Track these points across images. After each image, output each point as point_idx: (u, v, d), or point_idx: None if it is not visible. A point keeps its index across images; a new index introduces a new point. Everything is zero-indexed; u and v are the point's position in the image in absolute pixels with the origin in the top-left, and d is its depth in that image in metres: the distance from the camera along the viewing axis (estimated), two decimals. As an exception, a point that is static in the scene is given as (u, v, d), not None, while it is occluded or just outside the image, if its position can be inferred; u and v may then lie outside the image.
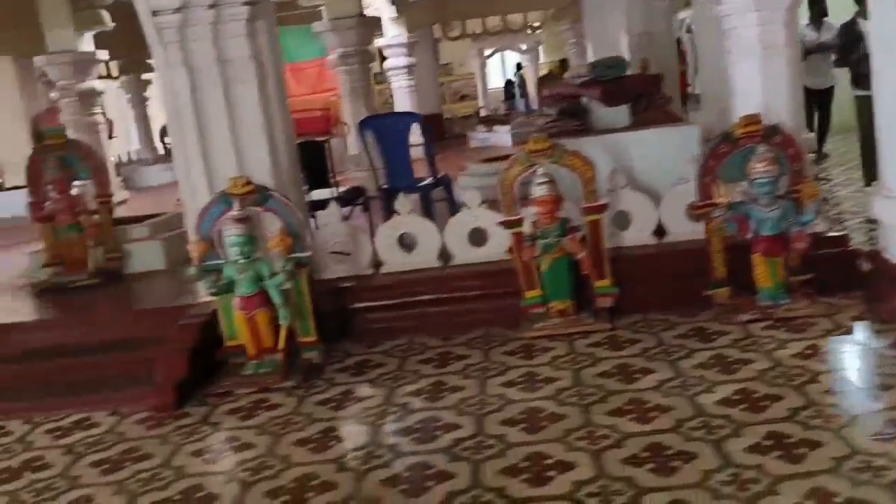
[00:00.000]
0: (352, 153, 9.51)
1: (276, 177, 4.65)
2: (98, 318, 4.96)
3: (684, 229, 4.75)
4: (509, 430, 3.31)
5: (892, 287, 3.98)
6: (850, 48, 6.47)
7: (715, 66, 5.80)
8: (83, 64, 9.13)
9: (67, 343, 4.69)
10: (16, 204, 9.87)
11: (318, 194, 5.61)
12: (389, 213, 5.65)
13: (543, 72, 22.04)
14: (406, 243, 5.01)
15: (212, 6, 4.43)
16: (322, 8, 9.51)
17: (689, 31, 10.60)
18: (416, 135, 5.87)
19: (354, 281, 4.91)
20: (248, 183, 4.17)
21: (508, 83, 19.08)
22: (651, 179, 4.94)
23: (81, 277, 5.65)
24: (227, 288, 4.20)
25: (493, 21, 19.29)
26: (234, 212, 4.15)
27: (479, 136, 15.03)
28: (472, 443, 3.23)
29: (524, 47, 24.94)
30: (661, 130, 5.03)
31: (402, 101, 12.82)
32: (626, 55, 8.43)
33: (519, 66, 18.19)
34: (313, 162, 5.41)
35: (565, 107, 5.43)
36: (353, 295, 4.85)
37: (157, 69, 4.60)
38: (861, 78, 5.94)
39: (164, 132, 15.87)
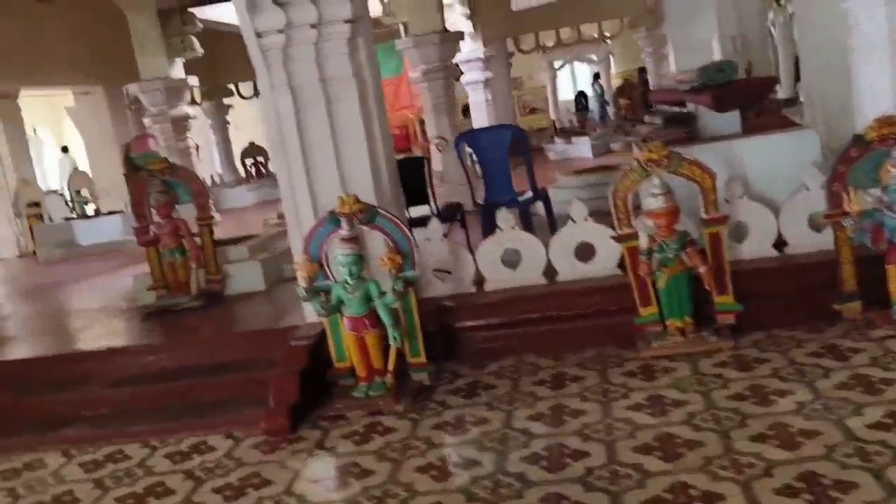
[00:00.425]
0: (436, 169, 9.46)
1: (378, 194, 4.60)
2: (206, 341, 4.97)
3: (806, 241, 4.51)
4: (644, 458, 3.13)
5: None
6: None
7: (822, 67, 5.52)
8: (175, 90, 9.35)
9: (178, 366, 4.72)
10: (111, 229, 10.19)
11: (416, 211, 5.54)
12: (488, 228, 5.54)
13: (617, 82, 21.78)
14: (507, 260, 4.88)
15: (314, 25, 4.41)
16: (400, 26, 9.51)
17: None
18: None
19: (457, 299, 4.80)
20: (358, 201, 4.11)
21: (580, 95, 18.81)
22: (767, 188, 4.69)
23: (185, 299, 5.71)
24: (336, 308, 4.15)
25: (565, 32, 19.11)
26: (344, 231, 4.09)
27: (557, 149, 14.85)
28: (606, 472, 3.06)
29: (594, 58, 24.61)
30: (777, 136, 4.78)
31: (479, 116, 12.76)
32: (718, 58, 8.17)
33: (596, 76, 17.90)
34: (412, 179, 5.34)
35: (671, 114, 5.22)
36: (456, 314, 4.74)
37: (262, 92, 4.60)
38: None
39: (244, 155, 16.13)
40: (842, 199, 3.97)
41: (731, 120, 5.07)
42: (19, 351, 5.41)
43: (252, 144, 17.09)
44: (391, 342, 4.09)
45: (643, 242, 4.14)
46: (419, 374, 4.24)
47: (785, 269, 4.42)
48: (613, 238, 4.36)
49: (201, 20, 9.59)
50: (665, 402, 3.63)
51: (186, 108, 9.56)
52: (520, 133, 5.44)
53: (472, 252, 4.95)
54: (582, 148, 14.74)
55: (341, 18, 4.44)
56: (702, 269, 4.16)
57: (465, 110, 14.17)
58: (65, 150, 13.72)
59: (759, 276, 4.39)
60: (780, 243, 4.56)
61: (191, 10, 9.34)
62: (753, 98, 4.85)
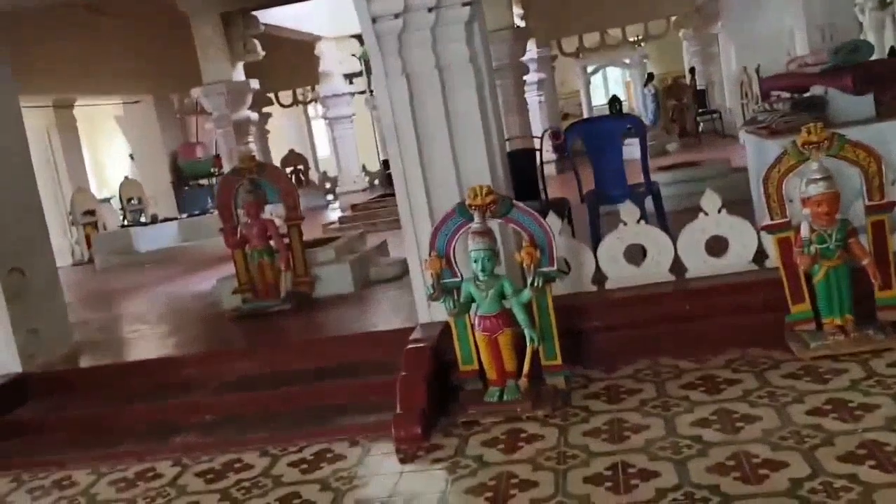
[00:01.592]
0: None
1: (494, 187, 4.28)
2: (312, 344, 4.66)
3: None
4: (858, 468, 2.76)
5: None
6: None
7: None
8: (237, 93, 9.12)
9: (282, 370, 4.43)
10: (168, 236, 9.98)
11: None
12: (595, 223, 5.21)
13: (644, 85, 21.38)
14: (628, 256, 4.55)
15: (432, 9, 4.12)
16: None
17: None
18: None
19: (579, 298, 4.47)
20: (491, 192, 3.79)
21: (613, 99, 18.50)
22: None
23: (275, 302, 5.43)
24: (467, 307, 3.83)
25: (606, 35, 18.78)
26: (476, 224, 3.77)
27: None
28: (818, 484, 2.71)
29: (628, 61, 24.26)
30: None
31: (533, 117, 12.45)
32: (803, 51, 7.80)
33: (650, 77, 17.50)
34: (523, 172, 5.02)
35: (798, 100, 4.87)
36: (579, 314, 4.40)
37: (377, 81, 4.30)
38: None
39: (284, 163, 15.85)
40: None
41: (866, 103, 4.70)
42: (108, 357, 5.13)
43: (292, 152, 16.90)
44: (528, 343, 3.76)
45: (805, 232, 3.78)
46: (555, 378, 3.90)
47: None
48: (765, 228, 4.00)
49: (263, 24, 9.39)
50: (850, 406, 3.26)
51: (248, 112, 9.33)
52: (637, 123, 5.10)
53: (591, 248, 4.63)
54: (634, 150, 14.38)
55: (460, 1, 4.15)
56: (866, 261, 3.79)
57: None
58: (131, 157, 13.63)
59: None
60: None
61: (253, 13, 9.13)
62: (894, 79, 4.49)
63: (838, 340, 3.82)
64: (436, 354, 4.07)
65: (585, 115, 22.45)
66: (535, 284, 3.71)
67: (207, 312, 5.85)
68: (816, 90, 5.00)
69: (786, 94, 5.46)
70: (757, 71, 11.79)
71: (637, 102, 22.30)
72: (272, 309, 5.40)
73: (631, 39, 19.05)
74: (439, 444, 3.58)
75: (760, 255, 4.37)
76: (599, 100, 23.29)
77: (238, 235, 5.55)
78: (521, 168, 5.02)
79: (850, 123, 4.62)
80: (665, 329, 4.30)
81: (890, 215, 3.85)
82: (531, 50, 12.34)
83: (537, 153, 5.38)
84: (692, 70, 17.65)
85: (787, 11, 11.02)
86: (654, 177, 7.52)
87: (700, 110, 17.10)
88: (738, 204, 5.38)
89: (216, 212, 6.01)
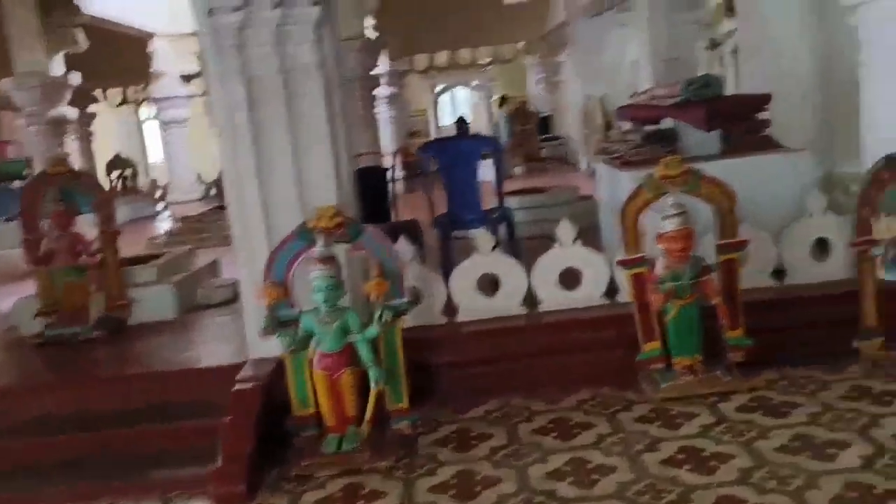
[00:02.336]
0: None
1: (339, 205, 3.89)
2: (124, 381, 4.06)
3: (810, 270, 4.20)
4: (719, 528, 2.61)
5: None
6: None
7: (789, 92, 5.29)
8: (53, 88, 8.17)
9: (91, 411, 3.82)
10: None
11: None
12: (446, 249, 4.94)
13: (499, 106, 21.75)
14: (483, 287, 4.30)
15: (277, 5, 3.70)
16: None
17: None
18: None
19: (427, 331, 4.16)
20: (338, 214, 3.40)
21: (460, 120, 18.57)
22: (760, 213, 4.36)
23: (84, 329, 4.75)
24: (306, 343, 3.41)
25: (456, 55, 18.93)
26: (319, 249, 3.37)
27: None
28: (680, 548, 2.52)
29: (476, 83, 24.62)
30: (772, 157, 4.47)
31: (385, 133, 12.19)
32: (649, 83, 8.00)
33: (503, 100, 17.66)
34: (371, 191, 4.66)
35: (651, 131, 4.83)
36: (430, 348, 4.09)
37: (211, 80, 3.83)
38: None
39: (109, 167, 14.59)
40: (871, 225, 3.65)
41: (714, 139, 4.73)
42: None
43: (118, 156, 15.62)
44: (372, 385, 3.39)
45: (659, 268, 3.66)
46: (401, 423, 3.55)
47: (791, 300, 4.08)
48: (621, 263, 3.86)
49: (89, 15, 8.50)
50: (704, 455, 3.13)
51: (66, 110, 8.39)
52: (495, 146, 4.88)
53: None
54: (484, 171, 14.41)
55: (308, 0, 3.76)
56: (716, 301, 3.72)
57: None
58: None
59: (765, 307, 4.01)
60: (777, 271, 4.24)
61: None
62: (744, 115, 4.53)
63: (688, 381, 3.72)
64: (268, 395, 3.62)
65: (433, 134, 22.54)
66: (384, 319, 3.36)
67: (2, 339, 5.05)
68: (667, 122, 4.99)
69: (631, 125, 5.46)
70: (602, 101, 12.09)
71: (484, 124, 22.63)
72: (80, 337, 4.72)
73: (481, 62, 19.25)
74: None
75: (612, 288, 4.25)
76: (446, 119, 23.46)
77: (43, 250, 4.82)
78: (370, 187, 4.67)
79: (699, 158, 4.59)
80: (517, 366, 4.07)
81: (741, 254, 3.81)
82: (383, 64, 12.06)
83: (387, 171, 5.04)
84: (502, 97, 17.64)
85: (631, 45, 11.41)
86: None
87: (544, 136, 17.48)
88: (586, 232, 5.34)
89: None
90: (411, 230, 4.88)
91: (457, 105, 26.20)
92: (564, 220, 4.25)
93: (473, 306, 4.25)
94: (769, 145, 4.65)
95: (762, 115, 4.64)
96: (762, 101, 4.46)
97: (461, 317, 4.25)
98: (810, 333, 3.97)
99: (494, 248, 4.25)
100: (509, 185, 10.84)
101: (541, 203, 7.25)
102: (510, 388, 3.99)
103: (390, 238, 3.79)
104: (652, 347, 3.85)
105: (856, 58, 5.81)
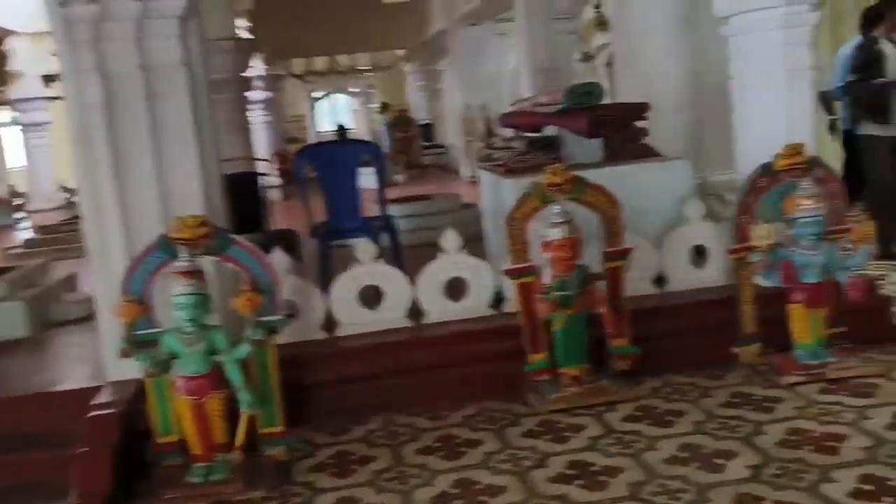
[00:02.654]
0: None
1: (208, 213, 3.59)
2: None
3: (687, 277, 4.23)
4: (613, 549, 2.50)
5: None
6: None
7: (662, 103, 5.35)
8: None
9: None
10: None
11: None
12: (326, 260, 4.69)
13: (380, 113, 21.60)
14: (364, 299, 4.10)
15: (138, -4, 3.37)
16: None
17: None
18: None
19: (305, 348, 3.91)
20: (204, 223, 3.11)
21: (340, 127, 18.19)
22: (641, 220, 4.36)
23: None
24: (168, 365, 3.10)
25: (335, 61, 18.66)
26: (182, 262, 3.07)
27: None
28: (575, 573, 2.39)
29: (355, 90, 24.42)
30: (651, 165, 4.48)
31: (259, 138, 11.75)
32: (528, 92, 8.03)
33: (385, 106, 17.45)
34: (243, 199, 4.36)
35: (535, 138, 4.77)
36: (308, 365, 3.84)
37: (64, 76, 3.44)
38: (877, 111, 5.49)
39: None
40: (749, 232, 3.69)
41: (596, 146, 4.71)
42: None
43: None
44: (242, 409, 3.11)
45: (545, 278, 3.56)
46: (275, 448, 3.28)
47: (668, 308, 4.09)
48: (508, 272, 3.75)
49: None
50: (594, 470, 3.04)
51: None
52: (376, 152, 4.67)
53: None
54: (365, 179, 14.18)
55: (175, -9, 3.46)
56: (603, 309, 3.67)
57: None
58: None
59: (646, 315, 3.99)
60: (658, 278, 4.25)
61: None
62: (625, 123, 4.53)
63: (575, 392, 3.65)
64: (127, 422, 3.28)
65: (311, 141, 22.11)
66: (256, 337, 3.09)
67: None
68: (550, 130, 4.95)
69: (513, 133, 5.40)
70: (483, 109, 12.13)
71: (365, 130, 22.40)
72: None
73: (360, 68, 19.03)
74: (124, 545, 2.82)
75: (498, 298, 4.14)
76: (326, 126, 23.10)
77: None
78: (242, 194, 4.37)
79: (582, 165, 4.57)
80: (401, 381, 3.88)
81: (625, 262, 3.78)
82: (258, 66, 11.62)
83: (260, 178, 4.74)
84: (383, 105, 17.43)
85: (510, 55, 11.51)
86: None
87: (427, 144, 17.42)
88: (471, 240, 5.23)
89: None
90: (287, 240, 4.62)
91: (336, 111, 25.88)
92: (449, 229, 4.10)
93: (355, 320, 4.03)
94: (648, 153, 4.68)
95: (641, 124, 4.66)
96: (641, 109, 4.48)
97: (341, 331, 4.03)
98: (691, 340, 3.98)
99: (378, 258, 4.05)
100: (392, 193, 10.68)
101: (424, 211, 7.12)
102: (394, 405, 3.80)
103: (264, 249, 3.53)
104: (539, 358, 3.75)
105: (726, 69, 6.04)
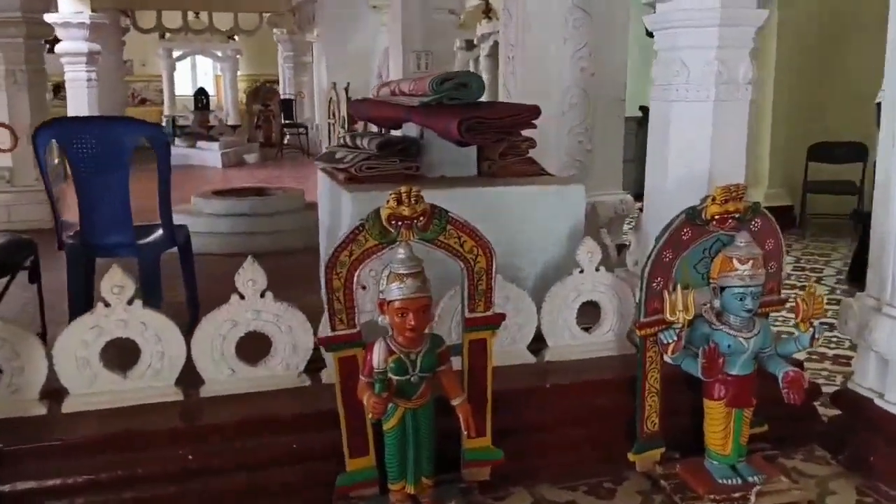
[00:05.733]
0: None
1: None
2: None
3: (573, 343, 3.18)
4: None
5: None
6: None
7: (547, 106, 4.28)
8: None
9: None
10: None
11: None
12: (77, 291, 3.30)
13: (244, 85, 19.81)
14: (116, 354, 2.78)
15: None
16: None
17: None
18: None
19: (7, 430, 2.56)
20: None
21: (200, 92, 16.24)
22: (518, 261, 3.27)
23: None
24: None
25: (193, 18, 16.73)
26: None
27: (178, 152, 12.42)
28: None
29: (220, 54, 22.42)
30: (538, 189, 3.38)
31: (78, 100, 9.76)
32: (399, 75, 6.85)
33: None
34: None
35: (389, 139, 3.57)
36: (12, 464, 2.50)
37: None
38: None
39: None
40: (664, 301, 2.65)
41: (468, 158, 3.57)
42: None
43: None
44: None
45: (376, 357, 2.36)
46: None
47: (550, 390, 2.99)
48: (323, 342, 2.53)
49: None
50: None
51: None
52: (157, 135, 3.29)
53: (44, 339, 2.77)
54: (210, 155, 12.56)
55: None
56: (458, 401, 2.52)
57: (57, 90, 11.01)
58: None
59: (517, 400, 2.90)
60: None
61: None
62: (509, 129, 3.41)
63: (410, 522, 2.49)
64: None
65: (167, 105, 19.94)
66: None
67: None
68: (411, 129, 3.76)
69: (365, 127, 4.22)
70: (346, 90, 10.79)
71: (226, 99, 20.48)
72: None
73: (220, 28, 17.11)
74: None
75: (318, 363, 2.92)
76: (185, 90, 20.99)
77: None
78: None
79: (447, 182, 3.43)
80: (153, 492, 2.58)
81: (494, 333, 2.65)
82: (81, 12, 9.71)
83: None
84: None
85: (382, 31, 10.24)
86: (205, 204, 5.87)
87: (286, 122, 15.88)
88: (305, 253, 4.14)
89: None
90: (14, 257, 3.20)
91: (197, 76, 23.74)
92: (250, 261, 2.82)
93: (93, 388, 2.71)
94: (535, 171, 3.59)
95: (528, 132, 3.55)
96: (530, 112, 3.36)
97: (69, 406, 2.69)
98: (575, 434, 2.95)
99: (133, 299, 2.73)
100: (235, 176, 9.18)
101: (256, 210, 5.78)
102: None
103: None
104: (361, 465, 2.59)
105: (623, 73, 5.06)
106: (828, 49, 7.72)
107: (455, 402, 2.51)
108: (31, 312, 3.44)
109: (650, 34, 3.42)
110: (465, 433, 2.54)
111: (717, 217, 2.65)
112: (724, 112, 3.09)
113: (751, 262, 2.60)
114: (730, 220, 2.68)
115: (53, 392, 2.69)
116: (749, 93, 3.14)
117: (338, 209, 3.47)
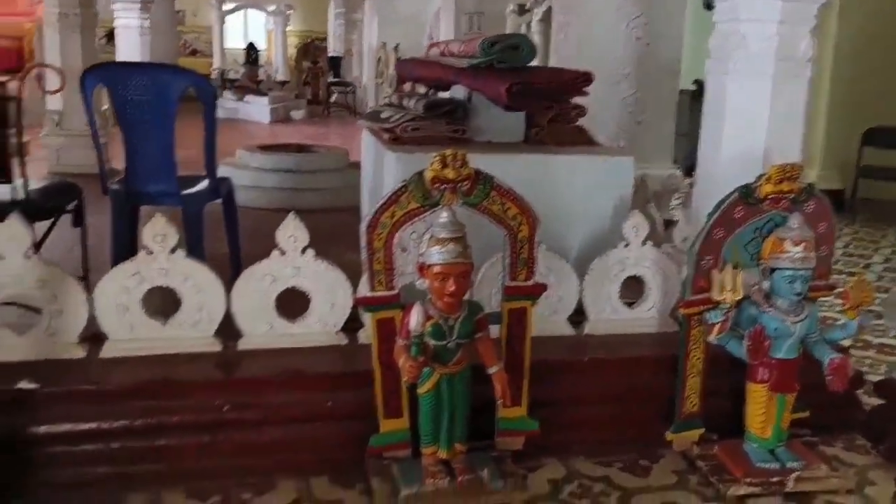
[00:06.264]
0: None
1: None
2: None
3: (615, 318, 3.12)
4: None
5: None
6: None
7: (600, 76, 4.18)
8: None
9: None
10: None
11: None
12: (120, 235, 3.32)
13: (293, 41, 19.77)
14: (156, 302, 2.80)
15: None
16: None
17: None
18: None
19: (47, 374, 2.60)
20: None
21: (250, 46, 16.25)
22: (561, 232, 3.21)
23: None
24: None
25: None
26: None
27: (227, 105, 12.53)
28: None
29: (271, 9, 22.40)
30: (587, 159, 3.31)
31: (129, 46, 9.76)
32: (450, 36, 6.76)
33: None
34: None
35: (436, 100, 3.51)
36: (36, 405, 2.53)
37: None
38: None
39: None
40: (711, 280, 2.57)
41: (516, 123, 3.50)
42: None
43: None
44: None
45: (414, 321, 2.33)
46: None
47: (589, 364, 2.94)
48: (361, 302, 2.52)
49: None
50: None
51: None
52: (203, 85, 3.28)
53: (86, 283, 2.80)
54: (257, 109, 12.64)
55: None
56: (494, 369, 2.48)
57: (110, 36, 11.05)
58: None
59: (554, 371, 2.86)
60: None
61: None
62: (559, 96, 3.32)
63: (439, 488, 2.47)
64: None
65: (216, 58, 19.96)
66: None
67: None
68: (458, 91, 3.70)
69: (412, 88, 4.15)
70: (396, 49, 10.73)
71: (276, 54, 20.45)
72: None
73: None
74: None
75: (355, 322, 2.91)
76: (236, 42, 21.04)
77: None
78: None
79: (492, 148, 3.36)
80: (184, 441, 2.61)
81: (534, 303, 2.61)
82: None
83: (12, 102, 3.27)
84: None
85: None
86: (250, 158, 5.89)
87: (333, 81, 15.85)
88: (347, 212, 4.10)
89: None
90: (59, 200, 3.23)
91: (248, 30, 23.83)
92: (291, 218, 2.80)
93: (134, 334, 2.74)
94: (584, 140, 3.51)
95: (578, 100, 3.47)
96: (583, 79, 3.27)
97: (107, 351, 2.72)
98: (612, 410, 2.90)
99: (177, 247, 2.74)
100: (282, 131, 9.19)
101: (299, 166, 5.79)
102: (168, 478, 2.54)
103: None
104: (394, 426, 2.58)
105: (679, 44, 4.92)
106: (891, 34, 7.48)
107: (491, 371, 2.48)
108: (76, 257, 3.47)
109: (708, 6, 3.31)
110: (500, 402, 2.52)
111: (770, 196, 2.55)
112: (782, 89, 2.98)
113: (803, 244, 2.51)
114: (784, 201, 2.58)
115: (93, 337, 2.72)
116: (809, 71, 3.02)
117: (381, 169, 3.44)
